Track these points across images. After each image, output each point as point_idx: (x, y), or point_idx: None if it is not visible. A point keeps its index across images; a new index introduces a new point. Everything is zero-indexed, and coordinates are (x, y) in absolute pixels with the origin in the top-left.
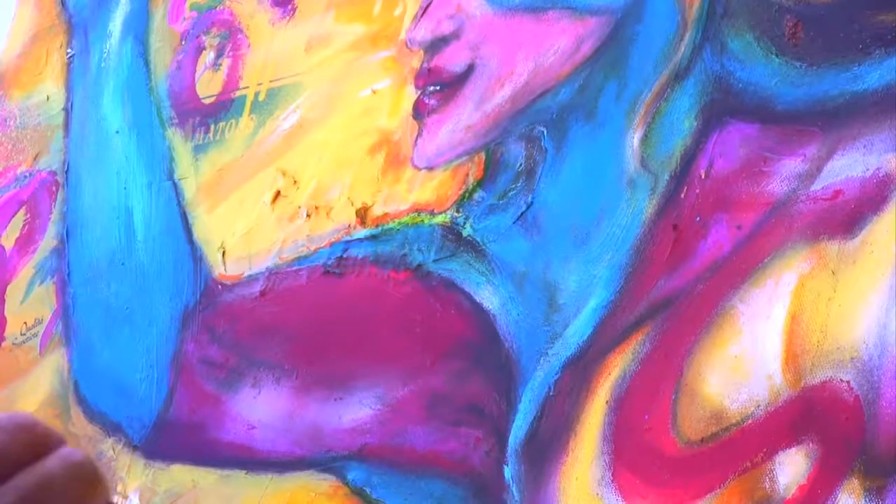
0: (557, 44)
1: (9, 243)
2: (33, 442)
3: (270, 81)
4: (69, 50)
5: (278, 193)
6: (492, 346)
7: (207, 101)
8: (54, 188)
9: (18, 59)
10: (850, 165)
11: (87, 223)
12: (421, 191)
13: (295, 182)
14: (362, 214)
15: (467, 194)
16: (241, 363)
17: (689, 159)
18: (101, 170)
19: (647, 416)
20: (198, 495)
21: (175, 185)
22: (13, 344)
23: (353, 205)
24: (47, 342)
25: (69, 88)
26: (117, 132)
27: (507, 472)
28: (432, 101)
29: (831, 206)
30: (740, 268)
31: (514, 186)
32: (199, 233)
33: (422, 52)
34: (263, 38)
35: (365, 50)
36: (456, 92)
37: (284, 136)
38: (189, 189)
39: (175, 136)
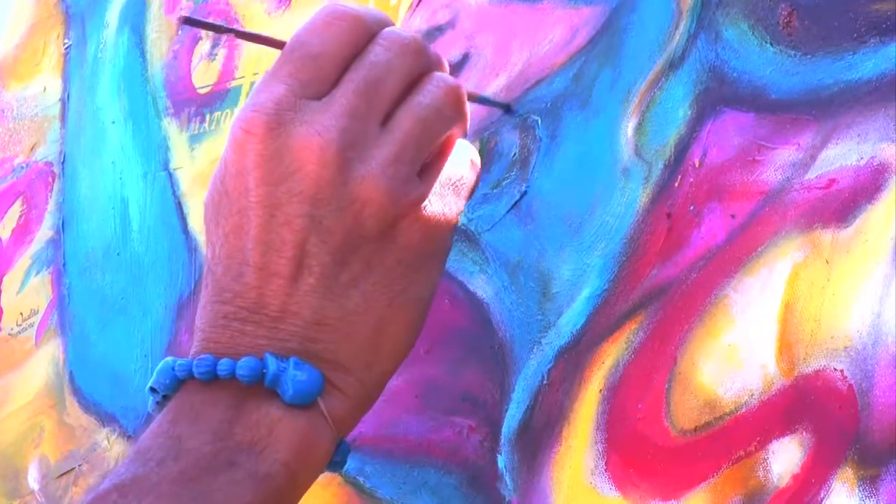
0: (552, 33)
1: (5, 234)
2: (355, 32)
3: (266, 71)
4: (66, 41)
5: None
6: (485, 335)
7: (203, 91)
8: (50, 179)
9: (16, 50)
10: (844, 154)
11: (82, 214)
12: None
13: None
14: None
15: None
16: None
17: (683, 148)
18: (97, 160)
19: (640, 405)
20: None
21: (170, 176)
22: (9, 334)
23: None
24: (43, 333)
25: (66, 79)
26: (113, 122)
27: (501, 461)
28: None
29: (825, 195)
30: (734, 257)
31: (508, 175)
32: (194, 223)
33: None
34: (259, 27)
35: None
36: None
37: None
38: (184, 179)
39: (171, 127)
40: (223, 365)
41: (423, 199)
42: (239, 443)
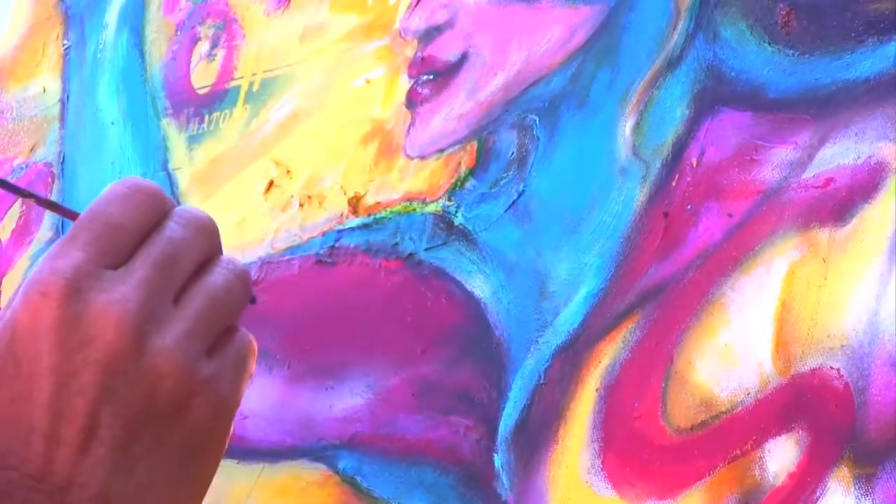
0: (550, 32)
1: (5, 235)
2: (154, 206)
3: (265, 72)
4: (65, 41)
5: (271, 183)
6: (482, 334)
7: (202, 92)
8: (50, 180)
9: (15, 51)
10: (841, 153)
11: None
12: (413, 180)
13: (288, 172)
14: (354, 204)
15: (459, 183)
16: None
17: (680, 147)
18: (97, 161)
19: (636, 404)
20: None
21: (169, 176)
22: None
23: (345, 194)
24: None
25: (65, 80)
26: (112, 123)
27: (497, 460)
28: (425, 91)
29: (822, 194)
30: (731, 256)
31: (505, 175)
32: None
33: (416, 41)
34: (258, 28)
35: (359, 40)
36: (449, 81)
37: (278, 126)
38: (183, 179)
39: (169, 127)
40: None
41: (214, 379)
42: None
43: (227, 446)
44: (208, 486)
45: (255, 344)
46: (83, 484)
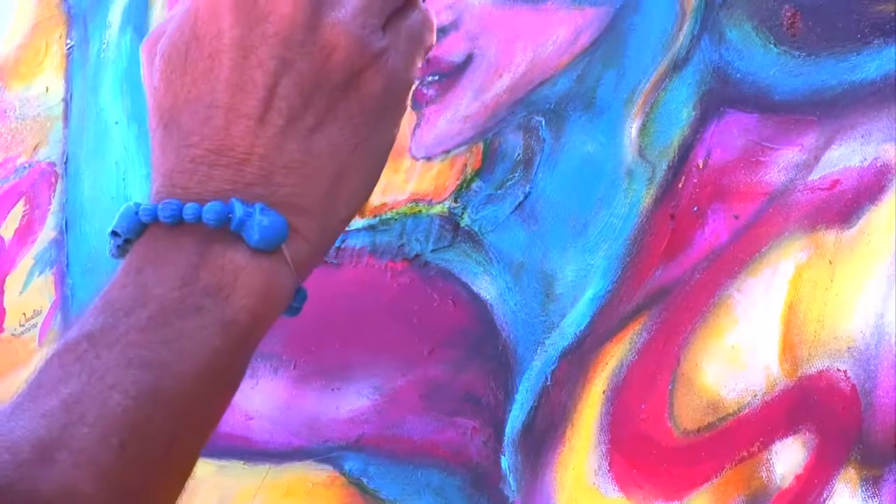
0: (556, 34)
1: (8, 234)
2: None
3: None
4: (69, 41)
5: None
6: (489, 336)
7: None
8: (53, 179)
9: (18, 51)
10: (847, 155)
11: (86, 214)
12: (419, 181)
13: None
14: None
15: (465, 184)
16: None
17: (686, 149)
18: (100, 161)
19: (643, 406)
20: (195, 486)
21: None
22: (12, 335)
23: None
24: (46, 333)
25: (68, 79)
26: (116, 123)
27: (504, 461)
28: (431, 92)
29: (829, 196)
30: (737, 257)
31: (511, 176)
32: None
33: None
34: None
35: None
36: (454, 82)
37: None
38: None
39: None
40: (189, 209)
41: (387, 52)
42: (205, 287)
43: (400, 121)
44: (386, 157)
45: (432, 19)
46: (263, 154)
